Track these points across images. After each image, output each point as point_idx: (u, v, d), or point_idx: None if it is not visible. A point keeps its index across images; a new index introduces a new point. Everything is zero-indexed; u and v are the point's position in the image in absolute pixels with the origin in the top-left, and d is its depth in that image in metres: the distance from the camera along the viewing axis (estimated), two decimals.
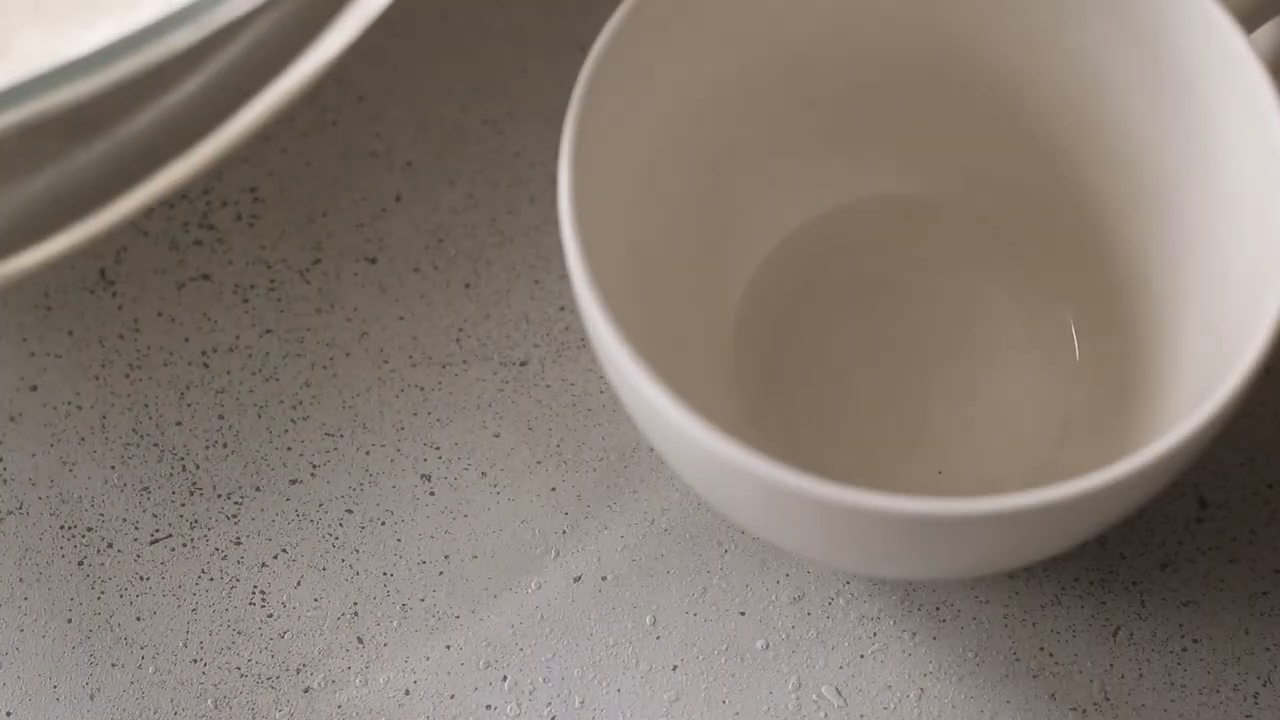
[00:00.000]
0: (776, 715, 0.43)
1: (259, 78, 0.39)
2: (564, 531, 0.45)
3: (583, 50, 0.41)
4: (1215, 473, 0.45)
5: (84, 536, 0.46)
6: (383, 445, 0.46)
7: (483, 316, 0.48)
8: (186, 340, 0.47)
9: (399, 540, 0.45)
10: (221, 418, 0.47)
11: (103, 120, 0.39)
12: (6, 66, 0.40)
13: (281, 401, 0.47)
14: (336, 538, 0.45)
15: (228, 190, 0.49)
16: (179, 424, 0.47)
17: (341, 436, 0.46)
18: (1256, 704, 0.43)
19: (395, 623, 0.45)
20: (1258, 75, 0.39)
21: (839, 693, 0.43)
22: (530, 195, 0.49)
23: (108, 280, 0.48)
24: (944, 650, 0.44)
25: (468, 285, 0.48)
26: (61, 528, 0.46)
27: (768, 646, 0.44)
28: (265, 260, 0.48)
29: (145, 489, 0.46)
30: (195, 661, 0.44)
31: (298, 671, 0.44)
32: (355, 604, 0.45)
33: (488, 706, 0.44)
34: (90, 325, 0.48)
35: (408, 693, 0.44)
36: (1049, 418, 0.44)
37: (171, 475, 0.46)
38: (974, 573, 0.43)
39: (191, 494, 0.46)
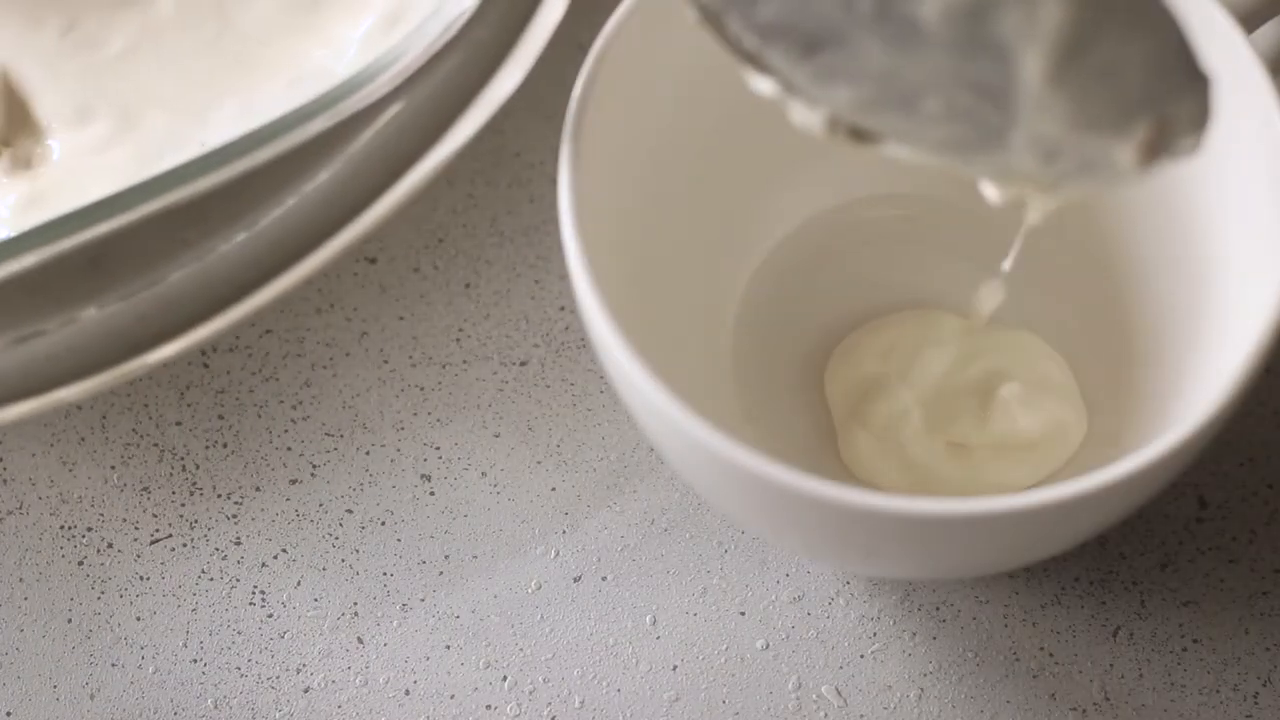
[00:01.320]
0: (776, 715, 0.43)
1: (394, 165, 0.40)
2: (564, 531, 0.45)
3: (583, 50, 0.41)
4: (1215, 473, 0.45)
5: (84, 536, 0.46)
6: (383, 445, 0.46)
7: (483, 316, 0.48)
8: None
9: (399, 540, 0.45)
10: (221, 418, 0.47)
11: (241, 211, 0.40)
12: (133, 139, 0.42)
13: (281, 401, 0.47)
14: (336, 538, 0.45)
15: None
16: (179, 424, 0.47)
17: (341, 436, 0.46)
18: (1256, 704, 0.43)
19: (395, 623, 0.45)
20: (1258, 75, 0.39)
21: (839, 693, 0.43)
22: (530, 195, 0.49)
23: None
24: (944, 650, 0.44)
25: (468, 285, 0.48)
26: (61, 528, 0.46)
27: (768, 646, 0.44)
28: None
29: (145, 489, 0.46)
30: (195, 661, 0.44)
31: (298, 671, 0.44)
32: (355, 604, 0.45)
33: (488, 706, 0.44)
34: None
35: (408, 693, 0.44)
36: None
37: (171, 475, 0.46)
38: (974, 573, 0.43)
39: (191, 494, 0.46)
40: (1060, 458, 0.43)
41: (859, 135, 0.35)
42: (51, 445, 0.47)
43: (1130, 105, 0.34)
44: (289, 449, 0.46)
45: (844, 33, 0.34)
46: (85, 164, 0.44)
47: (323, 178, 0.40)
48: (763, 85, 0.35)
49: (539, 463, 0.46)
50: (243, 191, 0.39)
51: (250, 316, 0.41)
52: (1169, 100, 0.34)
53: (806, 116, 0.35)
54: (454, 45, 0.40)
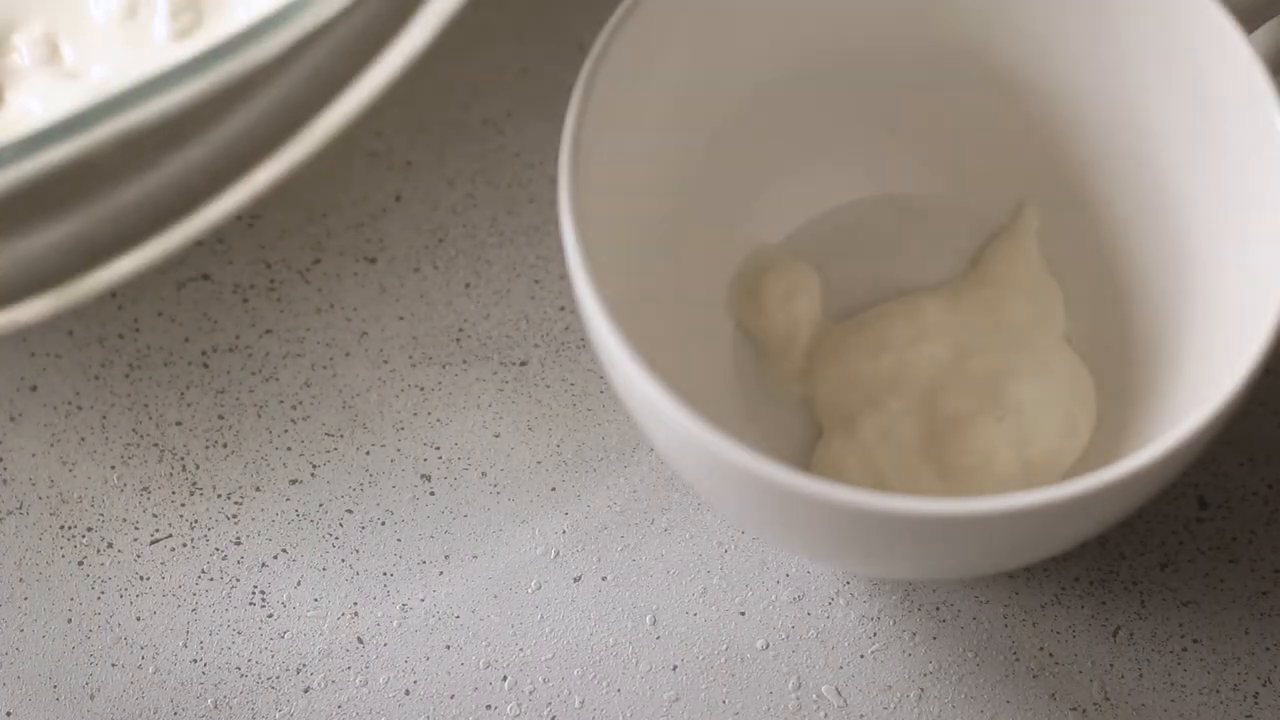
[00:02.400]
0: (776, 715, 0.43)
1: (328, 90, 0.40)
2: (564, 531, 0.45)
3: (583, 50, 0.41)
4: (1215, 473, 0.45)
5: (84, 536, 0.46)
6: (383, 445, 0.46)
7: (483, 316, 0.48)
8: (186, 340, 0.47)
9: (399, 540, 0.45)
10: (221, 418, 0.47)
11: (194, 128, 0.39)
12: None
13: (281, 401, 0.47)
14: (336, 538, 0.45)
15: None
16: (179, 424, 0.47)
17: (341, 436, 0.46)
18: (1256, 704, 0.43)
19: (395, 623, 0.45)
20: (1258, 75, 0.39)
21: (839, 693, 0.43)
22: (530, 195, 0.49)
23: None
24: (944, 650, 0.44)
25: (468, 285, 0.48)
26: (61, 528, 0.46)
27: (768, 646, 0.44)
28: (265, 260, 0.48)
29: (145, 489, 0.46)
30: (195, 661, 0.44)
31: (298, 671, 0.44)
32: (355, 604, 0.45)
33: (488, 706, 0.44)
34: (90, 325, 0.48)
35: (408, 693, 0.44)
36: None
37: (171, 475, 0.46)
38: (974, 573, 0.43)
39: (191, 494, 0.46)
40: (1058, 475, 0.43)
41: None
42: (51, 445, 0.47)
43: None
44: (289, 449, 0.46)
45: None
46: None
47: (278, 90, 0.40)
48: None
49: (539, 463, 0.46)
50: (198, 108, 0.39)
51: (209, 228, 0.40)
52: None
53: None
54: None
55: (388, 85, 0.40)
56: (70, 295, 0.40)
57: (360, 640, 0.44)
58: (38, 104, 0.43)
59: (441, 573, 0.45)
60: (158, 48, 0.44)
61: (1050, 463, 0.43)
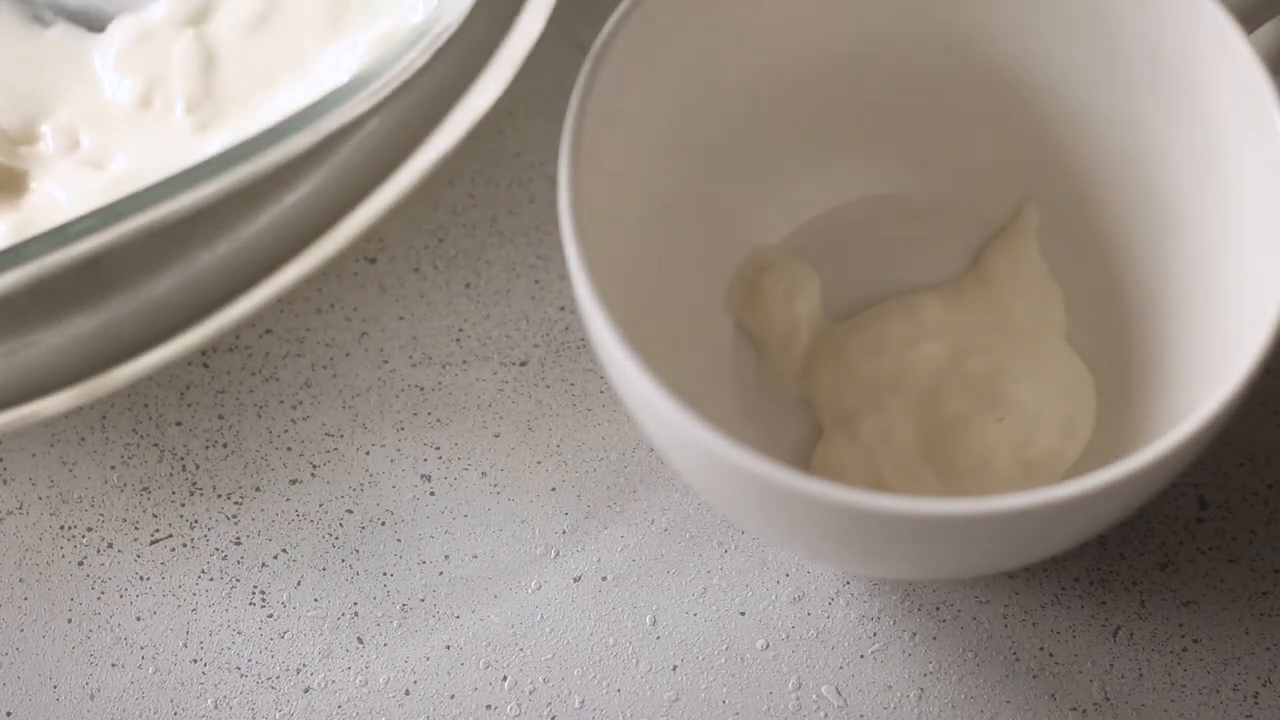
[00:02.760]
0: (776, 715, 0.43)
1: (370, 180, 0.41)
2: (564, 531, 0.45)
3: (583, 50, 0.41)
4: (1215, 473, 0.45)
5: (84, 536, 0.46)
6: (383, 445, 0.46)
7: (483, 316, 0.48)
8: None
9: (399, 540, 0.45)
10: (221, 418, 0.47)
11: (222, 225, 0.40)
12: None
13: (281, 401, 0.47)
14: (336, 538, 0.45)
15: None
16: (179, 424, 0.47)
17: (341, 436, 0.46)
18: (1256, 704, 0.43)
19: (395, 623, 0.45)
20: (1258, 75, 0.39)
21: (839, 693, 0.43)
22: (530, 195, 0.49)
23: None
24: (944, 650, 0.44)
25: (468, 285, 0.48)
26: (61, 528, 0.46)
27: (768, 646, 0.44)
28: None
29: (145, 489, 0.46)
30: (195, 661, 0.44)
31: (298, 671, 0.44)
32: (355, 604, 0.45)
33: (488, 706, 0.44)
34: None
35: (408, 693, 0.44)
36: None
37: (171, 475, 0.46)
38: (974, 573, 0.43)
39: (191, 494, 0.46)
40: (1058, 475, 0.43)
41: None
42: (51, 445, 0.47)
43: None
44: (289, 449, 0.46)
45: None
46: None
47: (304, 189, 0.40)
48: None
49: (539, 463, 0.46)
50: (225, 205, 0.39)
51: (233, 326, 0.41)
52: None
53: None
54: (434, 62, 0.41)
55: (414, 187, 0.41)
56: (94, 390, 0.40)
57: (360, 640, 0.44)
58: (62, 193, 0.44)
59: (441, 573, 0.45)
60: (178, 139, 0.44)
61: (1050, 463, 0.43)
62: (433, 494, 0.46)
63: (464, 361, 0.47)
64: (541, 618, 0.44)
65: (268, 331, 0.48)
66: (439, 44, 0.40)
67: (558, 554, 0.45)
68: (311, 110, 0.39)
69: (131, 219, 0.38)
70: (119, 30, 0.46)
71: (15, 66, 0.46)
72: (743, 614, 0.44)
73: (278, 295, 0.41)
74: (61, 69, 0.46)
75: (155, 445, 0.46)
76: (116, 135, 0.45)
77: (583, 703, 0.44)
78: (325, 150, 0.40)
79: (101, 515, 0.46)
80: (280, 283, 0.41)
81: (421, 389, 0.47)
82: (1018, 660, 0.44)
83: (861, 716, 0.43)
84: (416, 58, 0.40)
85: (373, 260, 0.48)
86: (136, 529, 0.46)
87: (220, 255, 0.40)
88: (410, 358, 0.47)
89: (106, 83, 0.46)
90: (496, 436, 0.46)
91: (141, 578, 0.45)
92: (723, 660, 0.44)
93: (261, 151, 0.39)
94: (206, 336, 0.40)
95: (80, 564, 0.45)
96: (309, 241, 0.41)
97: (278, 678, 0.44)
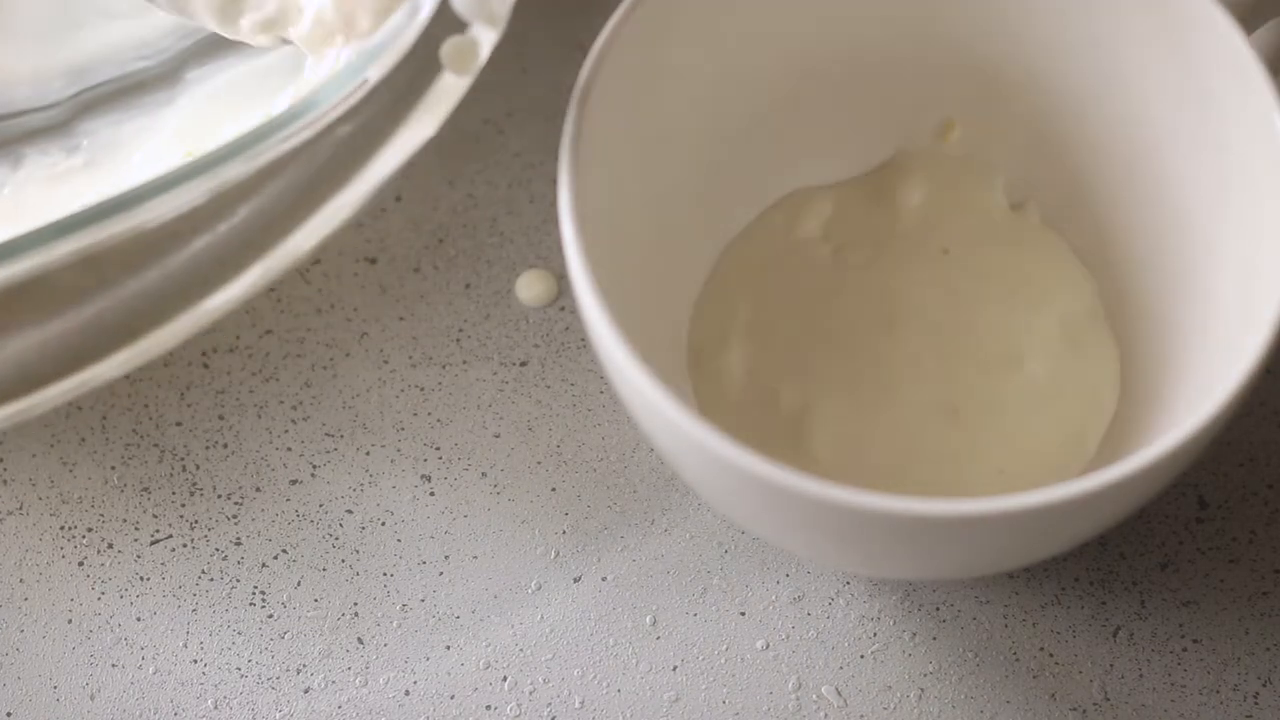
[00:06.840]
0: (776, 716, 0.43)
1: (308, 202, 0.41)
2: (564, 532, 0.45)
3: (583, 50, 0.41)
4: (1215, 473, 0.45)
5: (84, 537, 0.46)
6: (383, 445, 0.46)
7: (483, 316, 0.48)
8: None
9: (399, 540, 0.45)
10: (221, 418, 0.47)
11: (158, 249, 0.40)
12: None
13: (281, 401, 0.47)
14: (336, 538, 0.45)
15: None
16: (179, 424, 0.47)
17: (341, 436, 0.46)
18: (1256, 704, 0.43)
19: (395, 623, 0.45)
20: (1258, 75, 0.39)
21: (839, 693, 0.43)
22: (530, 195, 0.49)
23: None
24: (944, 650, 0.44)
25: (468, 285, 0.48)
26: (61, 528, 0.46)
27: (768, 646, 0.44)
28: None
29: (145, 489, 0.46)
30: (195, 662, 0.44)
31: (298, 672, 0.44)
32: (355, 604, 0.45)
33: (488, 706, 0.44)
34: None
35: (408, 693, 0.44)
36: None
37: (171, 475, 0.46)
38: (974, 573, 0.43)
39: (191, 494, 0.46)
40: (1058, 475, 0.43)
41: None
42: (51, 445, 0.47)
43: None
44: (289, 449, 0.46)
45: None
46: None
47: (241, 214, 0.40)
48: None
49: (539, 463, 0.46)
50: (157, 232, 0.39)
51: (162, 354, 0.41)
52: None
53: None
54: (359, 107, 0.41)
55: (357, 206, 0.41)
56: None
57: (360, 640, 0.44)
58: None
59: (441, 573, 0.45)
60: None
61: (1050, 464, 0.43)
62: (433, 494, 0.46)
63: (464, 361, 0.47)
64: (541, 618, 0.44)
65: (268, 332, 0.48)
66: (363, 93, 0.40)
67: (558, 554, 0.45)
68: (247, 137, 0.39)
69: (54, 246, 0.38)
70: None
71: None
72: (743, 614, 0.44)
73: (215, 318, 0.41)
74: None
75: (155, 445, 0.46)
76: None
77: (583, 703, 0.44)
78: (264, 176, 0.40)
79: (101, 516, 0.46)
80: (213, 307, 0.41)
81: (421, 389, 0.47)
82: (1018, 660, 0.44)
83: (861, 717, 0.43)
84: (347, 97, 0.40)
85: (373, 260, 0.48)
86: (136, 529, 0.46)
87: (150, 280, 0.40)
88: (410, 358, 0.47)
89: None
90: (496, 437, 0.46)
91: (141, 578, 0.45)
92: (723, 661, 0.44)
93: (192, 178, 0.39)
94: (130, 362, 0.41)
95: (80, 564, 0.45)
96: (245, 266, 0.41)
97: (278, 678, 0.44)
